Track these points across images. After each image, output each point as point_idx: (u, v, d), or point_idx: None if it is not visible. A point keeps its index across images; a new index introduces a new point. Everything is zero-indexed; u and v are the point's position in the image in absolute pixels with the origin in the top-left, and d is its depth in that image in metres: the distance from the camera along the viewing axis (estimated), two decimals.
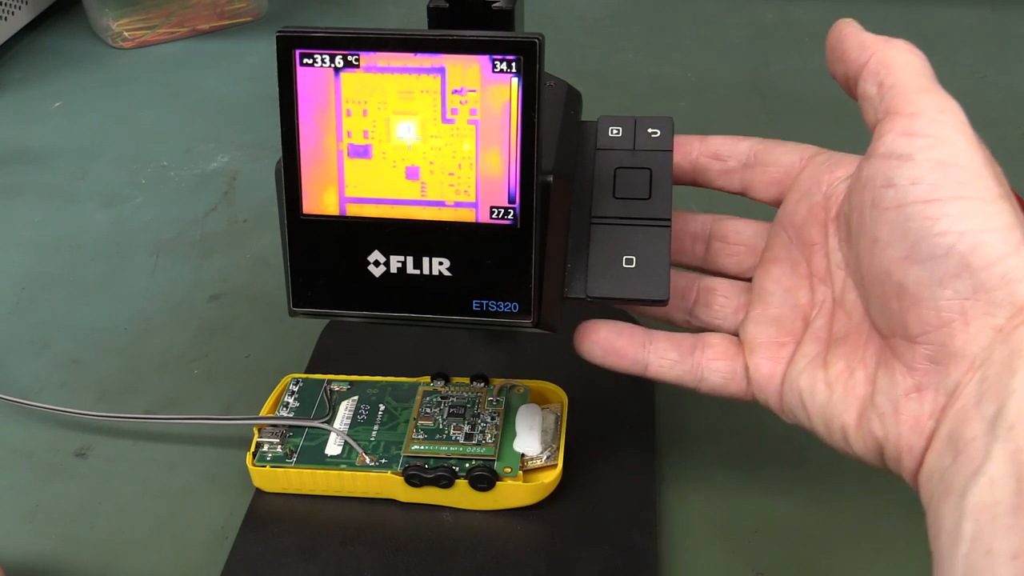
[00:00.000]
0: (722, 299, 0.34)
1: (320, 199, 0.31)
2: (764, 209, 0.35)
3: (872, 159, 0.28)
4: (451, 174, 0.30)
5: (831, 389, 0.30)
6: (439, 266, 0.31)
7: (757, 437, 0.40)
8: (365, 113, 0.30)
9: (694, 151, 0.35)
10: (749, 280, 0.35)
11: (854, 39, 0.30)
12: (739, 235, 0.35)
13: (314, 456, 0.37)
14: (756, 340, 0.32)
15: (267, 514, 0.37)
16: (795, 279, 0.32)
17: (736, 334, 0.34)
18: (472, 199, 0.30)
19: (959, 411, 0.25)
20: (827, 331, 0.31)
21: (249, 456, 0.37)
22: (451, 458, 0.36)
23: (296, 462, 0.37)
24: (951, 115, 0.27)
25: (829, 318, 0.31)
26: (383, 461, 0.36)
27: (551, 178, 0.31)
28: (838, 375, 0.30)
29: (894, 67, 0.29)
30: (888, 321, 0.28)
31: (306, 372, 0.42)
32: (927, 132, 0.27)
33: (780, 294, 0.33)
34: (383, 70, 0.30)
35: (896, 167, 0.27)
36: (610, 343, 0.33)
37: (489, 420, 0.38)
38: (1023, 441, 0.23)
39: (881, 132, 0.28)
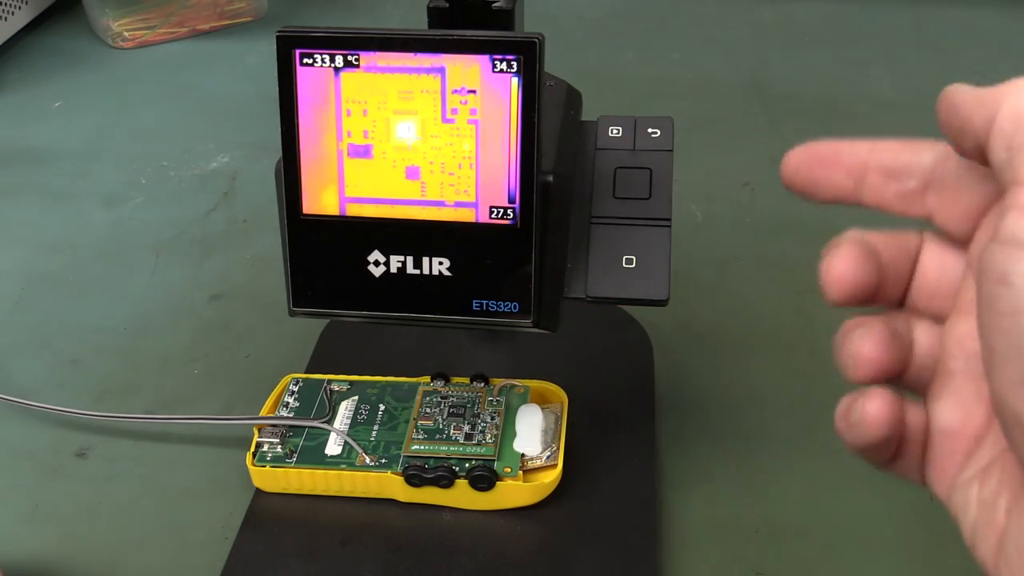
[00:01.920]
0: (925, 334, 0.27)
1: (320, 199, 0.31)
2: None
3: (992, 244, 0.22)
4: (451, 174, 0.30)
5: (978, 514, 0.24)
6: (439, 266, 0.31)
7: (757, 437, 0.40)
8: (365, 113, 0.30)
9: (860, 160, 0.27)
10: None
11: (969, 96, 0.24)
12: (940, 264, 0.27)
13: (314, 456, 0.37)
14: (937, 425, 0.25)
15: (267, 514, 0.37)
16: (978, 343, 0.24)
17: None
18: (472, 199, 0.30)
19: None
20: (1000, 436, 0.24)
21: (249, 456, 0.37)
22: (451, 458, 0.36)
23: (296, 462, 0.37)
24: None
25: None
26: (383, 461, 0.36)
27: (551, 178, 0.31)
28: (988, 498, 0.24)
29: None
30: (1015, 450, 0.22)
31: (306, 372, 0.42)
32: None
33: (963, 360, 0.25)
34: (383, 70, 0.30)
35: (1014, 259, 0.21)
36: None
37: (489, 420, 0.38)
38: None
39: (1004, 208, 0.22)
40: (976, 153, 0.23)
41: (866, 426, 0.25)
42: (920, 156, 0.26)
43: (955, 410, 0.25)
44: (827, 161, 0.27)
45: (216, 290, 0.50)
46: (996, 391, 0.22)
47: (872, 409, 0.25)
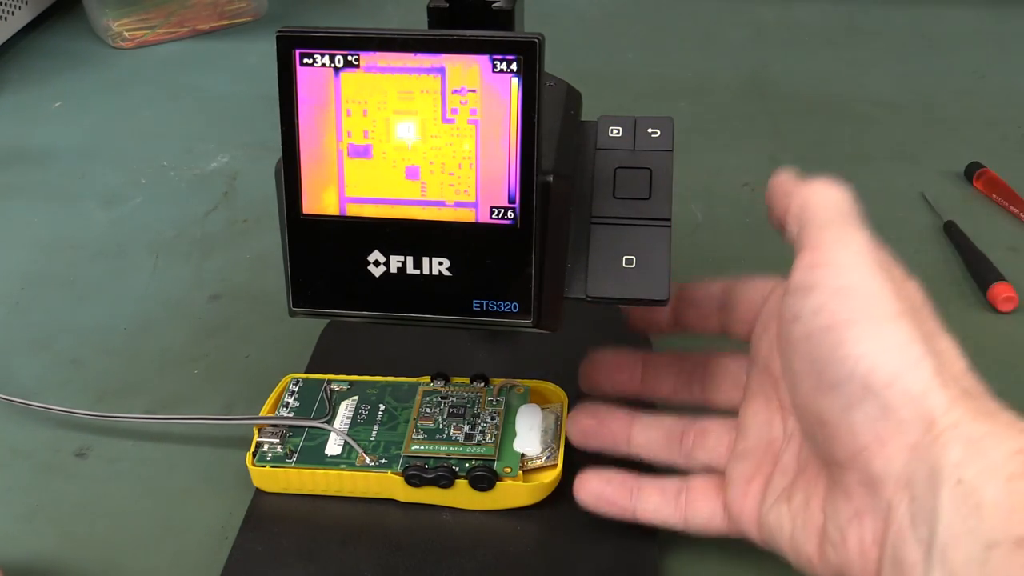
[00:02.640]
0: (714, 438, 0.34)
1: (320, 199, 0.31)
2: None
3: (785, 295, 0.29)
4: (451, 174, 0.30)
5: (793, 522, 0.30)
6: (439, 266, 0.31)
7: None
8: (365, 113, 0.30)
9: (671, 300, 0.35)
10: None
11: (781, 187, 0.32)
12: (727, 371, 0.35)
13: (314, 456, 0.37)
14: (733, 476, 0.33)
15: (267, 514, 0.37)
16: (768, 412, 0.33)
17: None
18: (472, 199, 0.30)
19: (896, 534, 0.26)
20: (794, 463, 0.31)
21: (249, 456, 0.37)
22: (451, 458, 0.36)
23: (296, 462, 0.37)
24: (853, 243, 0.28)
25: (796, 450, 0.31)
26: (383, 461, 0.36)
27: (551, 178, 0.31)
28: (798, 507, 0.30)
29: (809, 207, 0.30)
30: (819, 450, 0.29)
31: (306, 372, 0.42)
32: (828, 262, 0.28)
33: (756, 428, 0.33)
34: (383, 70, 0.30)
35: (801, 299, 0.28)
36: (600, 492, 0.34)
37: (489, 420, 0.38)
38: (957, 564, 0.23)
39: (793, 268, 0.29)
40: (779, 228, 0.32)
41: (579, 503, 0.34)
42: (710, 289, 0.35)
43: (748, 464, 0.32)
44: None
45: (216, 290, 0.50)
46: (799, 403, 0.29)
47: (579, 494, 0.34)
